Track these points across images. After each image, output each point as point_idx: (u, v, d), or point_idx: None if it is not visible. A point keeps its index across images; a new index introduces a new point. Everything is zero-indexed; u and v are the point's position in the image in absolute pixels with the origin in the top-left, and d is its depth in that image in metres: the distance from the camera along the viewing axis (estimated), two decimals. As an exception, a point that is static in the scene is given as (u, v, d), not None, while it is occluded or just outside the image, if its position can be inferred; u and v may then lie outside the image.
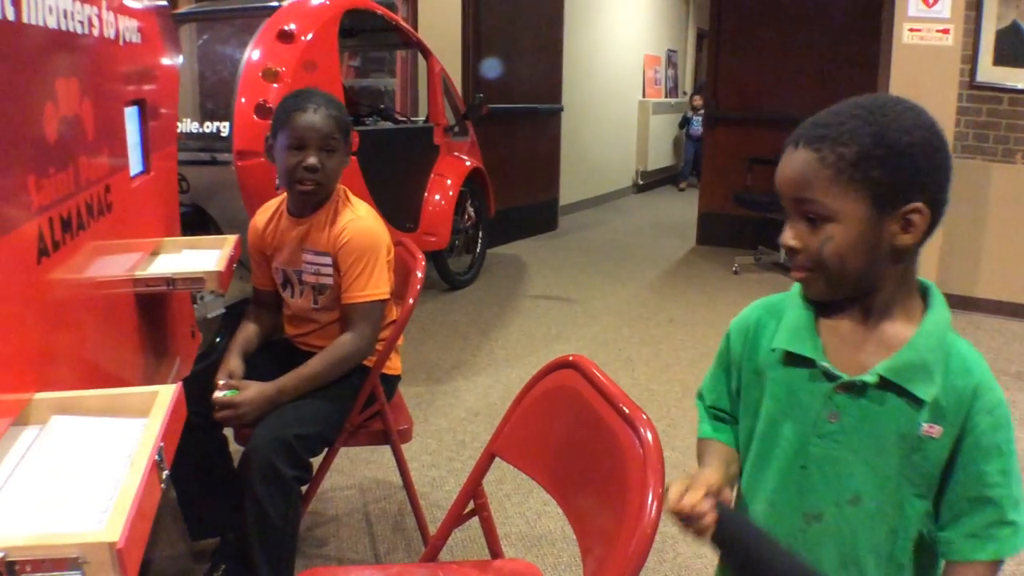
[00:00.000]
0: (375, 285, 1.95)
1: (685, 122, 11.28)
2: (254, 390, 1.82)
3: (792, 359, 1.08)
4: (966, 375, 1.00)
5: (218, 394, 1.81)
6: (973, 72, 4.83)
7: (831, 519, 1.06)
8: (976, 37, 4.77)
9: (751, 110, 6.54)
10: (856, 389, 1.02)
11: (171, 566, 2.18)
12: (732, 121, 6.68)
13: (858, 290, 1.03)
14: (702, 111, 9.80)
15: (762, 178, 6.04)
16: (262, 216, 2.10)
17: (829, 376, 1.04)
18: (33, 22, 1.12)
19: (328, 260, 1.98)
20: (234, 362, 1.93)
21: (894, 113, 0.96)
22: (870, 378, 1.01)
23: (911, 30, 4.61)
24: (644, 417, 1.15)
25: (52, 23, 1.20)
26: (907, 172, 0.95)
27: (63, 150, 1.25)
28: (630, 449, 1.14)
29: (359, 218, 1.98)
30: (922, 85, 4.63)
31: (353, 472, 2.76)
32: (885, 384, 1.00)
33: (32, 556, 0.77)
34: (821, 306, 1.07)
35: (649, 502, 1.04)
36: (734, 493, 1.14)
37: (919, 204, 0.95)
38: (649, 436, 1.12)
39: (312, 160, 1.89)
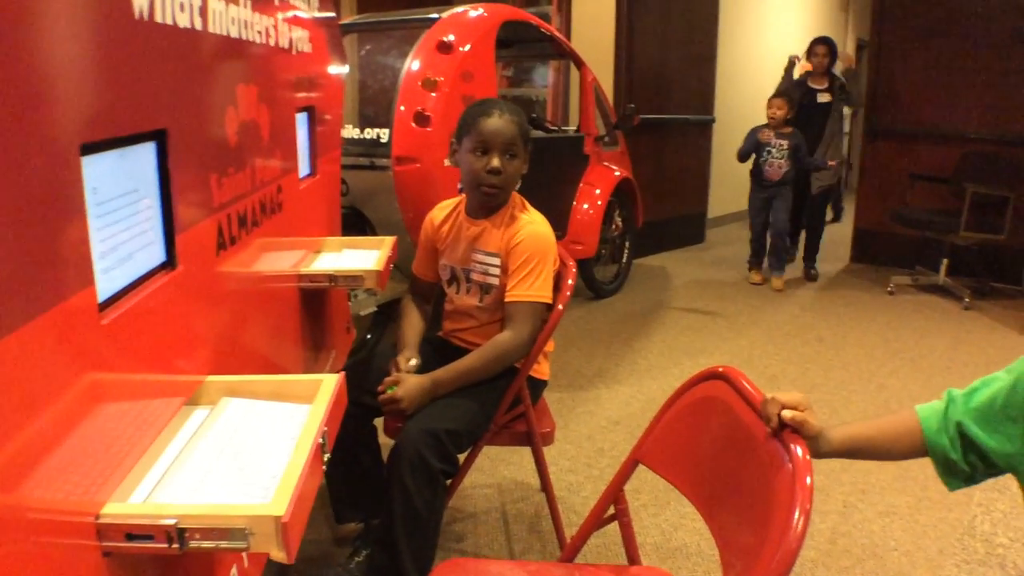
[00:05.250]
0: (540, 288, 2.01)
1: (753, 151, 5.66)
2: (412, 383, 1.91)
3: None
4: None
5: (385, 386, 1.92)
6: None
7: None
8: None
9: (912, 124, 6.21)
10: None
11: (313, 549, 2.28)
12: (892, 135, 6.36)
13: None
14: (786, 135, 5.50)
15: (922, 195, 5.76)
16: (440, 212, 2.21)
17: None
18: (218, 32, 1.21)
19: (497, 261, 2.05)
20: (411, 352, 2.06)
21: None
22: None
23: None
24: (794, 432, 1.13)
25: (234, 33, 1.30)
26: None
27: (242, 152, 1.34)
28: (779, 464, 1.11)
29: (534, 223, 2.07)
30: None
31: (493, 471, 2.80)
32: None
33: (201, 524, 0.82)
34: None
35: (796, 518, 1.02)
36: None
37: None
38: (799, 451, 1.10)
39: (496, 163, 1.98)
